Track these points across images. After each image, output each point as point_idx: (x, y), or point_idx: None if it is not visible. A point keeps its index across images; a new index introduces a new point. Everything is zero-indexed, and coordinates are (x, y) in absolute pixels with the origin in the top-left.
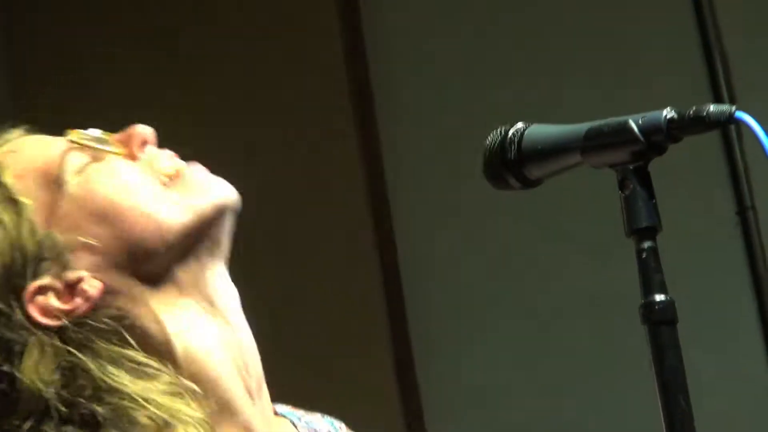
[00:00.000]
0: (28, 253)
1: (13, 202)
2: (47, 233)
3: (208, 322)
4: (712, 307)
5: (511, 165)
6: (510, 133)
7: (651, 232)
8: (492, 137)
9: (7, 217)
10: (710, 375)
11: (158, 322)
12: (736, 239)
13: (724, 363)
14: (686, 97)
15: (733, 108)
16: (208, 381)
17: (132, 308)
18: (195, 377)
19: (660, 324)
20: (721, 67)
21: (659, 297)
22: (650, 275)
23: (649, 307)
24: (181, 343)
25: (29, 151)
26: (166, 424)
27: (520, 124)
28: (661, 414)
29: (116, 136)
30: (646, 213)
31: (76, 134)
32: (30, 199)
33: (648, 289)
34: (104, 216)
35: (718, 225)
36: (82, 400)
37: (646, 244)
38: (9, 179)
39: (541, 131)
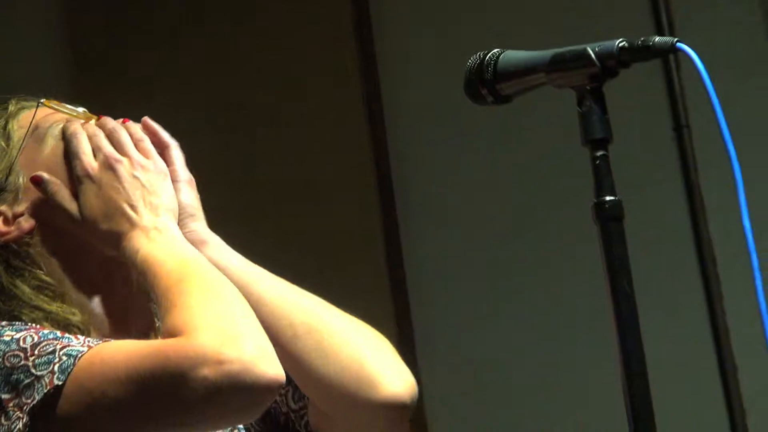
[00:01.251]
0: None
1: (7, 140)
2: (17, 172)
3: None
4: (649, 213)
5: (487, 83)
6: (487, 56)
7: (604, 142)
8: (472, 60)
9: None
10: (647, 270)
11: (71, 269)
12: (673, 153)
13: (660, 259)
14: (632, 33)
15: (675, 39)
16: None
17: (54, 252)
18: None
19: (610, 220)
20: (664, 7)
21: (609, 197)
22: (602, 179)
23: (600, 205)
24: (79, 291)
25: (35, 113)
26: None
27: (496, 50)
28: (608, 296)
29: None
30: (600, 126)
31: (52, 102)
32: (18, 144)
33: (600, 191)
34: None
35: (657, 140)
36: None
37: (599, 152)
38: (12, 125)
39: (513, 55)
